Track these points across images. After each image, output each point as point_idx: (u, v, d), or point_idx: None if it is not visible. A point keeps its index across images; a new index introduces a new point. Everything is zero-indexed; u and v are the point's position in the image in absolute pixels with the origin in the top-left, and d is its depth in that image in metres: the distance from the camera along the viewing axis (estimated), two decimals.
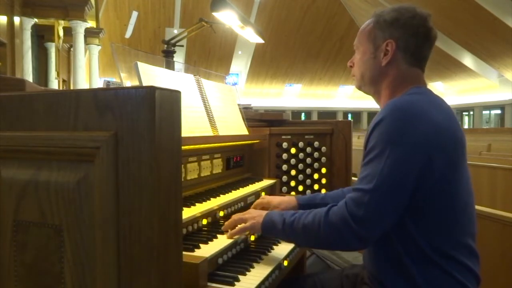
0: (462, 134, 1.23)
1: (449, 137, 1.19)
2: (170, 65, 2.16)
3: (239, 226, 1.37)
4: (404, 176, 1.13)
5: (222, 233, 1.40)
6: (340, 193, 1.68)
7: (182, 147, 0.87)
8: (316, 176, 2.34)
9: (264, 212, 1.38)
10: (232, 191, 1.76)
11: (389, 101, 1.24)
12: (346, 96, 29.25)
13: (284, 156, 2.25)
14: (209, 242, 1.31)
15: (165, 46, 2.28)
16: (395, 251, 1.20)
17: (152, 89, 0.77)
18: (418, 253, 1.18)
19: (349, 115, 30.06)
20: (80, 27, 8.98)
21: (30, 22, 8.42)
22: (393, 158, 1.13)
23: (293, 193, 2.28)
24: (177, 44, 2.31)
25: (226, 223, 1.41)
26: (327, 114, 29.07)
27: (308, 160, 2.32)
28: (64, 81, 11.16)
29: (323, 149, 2.36)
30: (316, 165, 2.34)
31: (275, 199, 1.68)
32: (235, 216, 1.42)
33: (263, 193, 2.02)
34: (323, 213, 1.21)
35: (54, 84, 9.81)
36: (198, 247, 1.25)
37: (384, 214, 1.15)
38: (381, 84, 1.35)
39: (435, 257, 1.17)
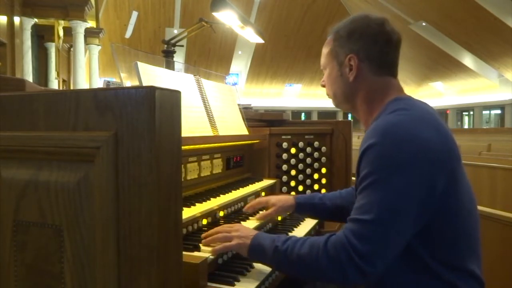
0: (454, 144, 1.18)
1: (443, 152, 1.13)
2: (170, 65, 2.17)
3: (223, 244, 1.24)
4: (406, 203, 1.07)
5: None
6: (337, 194, 1.67)
7: (182, 147, 0.87)
8: (316, 176, 2.34)
9: (253, 232, 1.25)
10: (232, 191, 1.76)
11: (377, 124, 1.17)
12: None
13: (284, 156, 2.25)
14: None
15: (165, 46, 2.28)
16: (393, 263, 1.14)
17: (152, 89, 0.77)
18: (418, 266, 1.14)
19: (349, 115, 30.02)
20: (80, 27, 8.98)
21: (30, 22, 8.42)
22: (392, 185, 1.07)
23: (293, 193, 2.28)
24: (177, 44, 2.31)
25: (209, 236, 1.28)
26: (327, 114, 29.05)
27: (308, 160, 2.32)
28: (64, 81, 11.16)
29: (323, 149, 2.36)
30: (316, 165, 2.34)
31: (273, 198, 1.68)
32: (219, 229, 1.29)
33: (263, 193, 2.02)
34: (321, 244, 1.11)
35: (54, 84, 9.81)
36: (198, 247, 1.25)
37: (389, 247, 1.07)
38: (355, 100, 1.32)
39: (437, 268, 1.13)
